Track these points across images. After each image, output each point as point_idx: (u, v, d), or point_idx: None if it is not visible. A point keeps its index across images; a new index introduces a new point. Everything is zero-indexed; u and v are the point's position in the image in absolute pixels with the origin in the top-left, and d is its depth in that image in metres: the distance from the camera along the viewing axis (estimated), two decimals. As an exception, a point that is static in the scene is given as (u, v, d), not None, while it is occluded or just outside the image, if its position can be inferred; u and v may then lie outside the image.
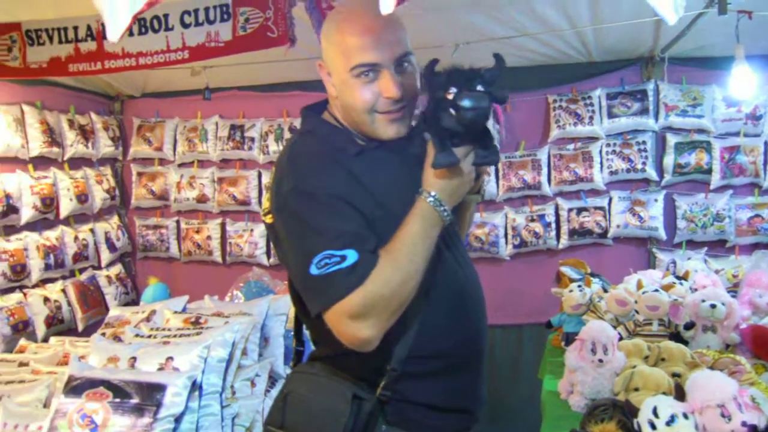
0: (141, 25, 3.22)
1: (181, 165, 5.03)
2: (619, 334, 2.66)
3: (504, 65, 1.56)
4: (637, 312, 2.84)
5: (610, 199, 4.43)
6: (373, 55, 1.62)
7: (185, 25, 3.23)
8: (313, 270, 1.50)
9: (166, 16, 3.23)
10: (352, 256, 1.49)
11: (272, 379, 3.01)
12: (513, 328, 4.56)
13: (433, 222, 1.58)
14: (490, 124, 1.58)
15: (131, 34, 3.22)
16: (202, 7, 3.22)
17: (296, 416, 1.70)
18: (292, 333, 1.96)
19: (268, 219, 1.69)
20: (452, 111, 1.49)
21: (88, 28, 3.30)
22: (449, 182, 1.59)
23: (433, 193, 1.58)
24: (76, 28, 3.32)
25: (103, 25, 1.30)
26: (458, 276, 1.75)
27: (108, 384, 2.41)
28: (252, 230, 4.86)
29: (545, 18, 3.76)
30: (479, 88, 1.49)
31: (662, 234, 4.37)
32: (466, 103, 1.46)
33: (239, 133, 4.86)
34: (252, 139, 4.84)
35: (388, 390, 1.67)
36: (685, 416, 1.72)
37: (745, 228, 4.29)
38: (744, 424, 1.64)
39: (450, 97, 1.49)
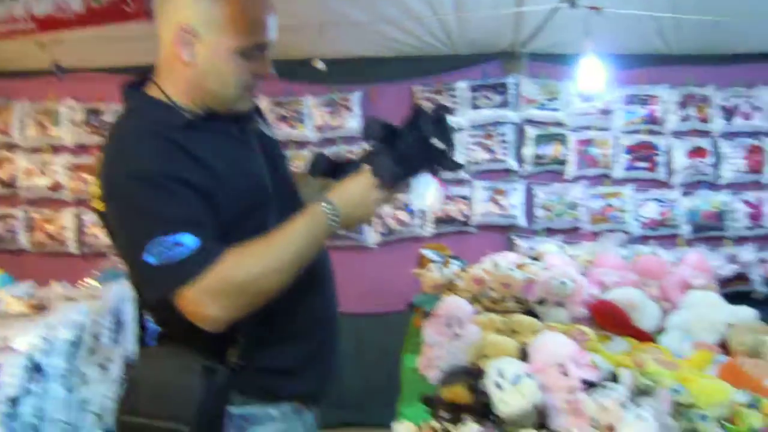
0: (-20, -9, 3.01)
1: (31, 151, 4.72)
2: (475, 311, 2.73)
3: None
4: (492, 290, 2.92)
5: (473, 189, 4.55)
6: (266, 35, 1.60)
7: (31, -7, 3.04)
8: (149, 258, 1.44)
9: (8, -18, 3.03)
10: (190, 241, 1.44)
11: (125, 364, 2.87)
12: (380, 316, 4.57)
13: (318, 227, 1.55)
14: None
15: (-31, 0, 3.00)
16: (50, -26, 3.05)
17: (146, 400, 1.60)
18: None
19: (99, 206, 1.59)
20: (433, 117, 1.56)
21: None
22: (352, 195, 1.57)
23: (332, 201, 1.55)
24: None
25: None
26: None
27: (-68, 367, 2.22)
28: (110, 219, 4.63)
29: (409, 6, 3.82)
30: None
31: (522, 222, 4.53)
32: (445, 118, 1.55)
33: (96, 118, 4.63)
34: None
35: (240, 358, 1.63)
36: (529, 376, 1.77)
37: (597, 216, 4.52)
38: (581, 380, 1.70)
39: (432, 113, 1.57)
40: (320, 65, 3.82)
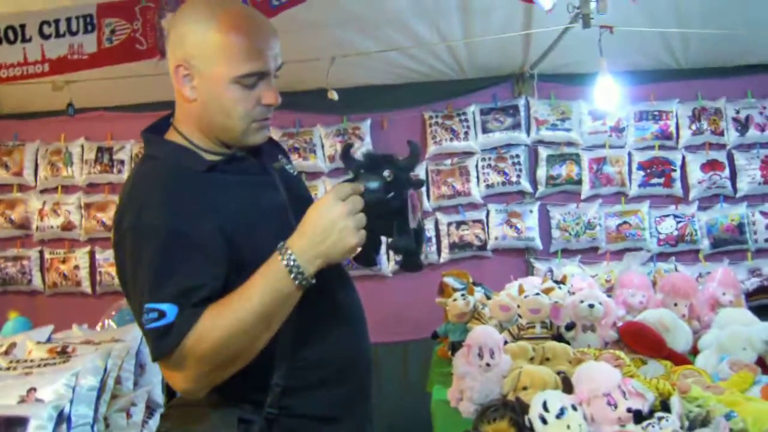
0: (-6, 35, 3.01)
1: (43, 191, 4.72)
2: (504, 339, 2.69)
3: (419, 153, 1.60)
4: (520, 316, 2.88)
5: (488, 212, 4.53)
6: (265, 63, 1.53)
7: (45, 36, 3.06)
8: (141, 320, 1.42)
9: (22, 26, 3.05)
10: (171, 312, 1.39)
11: (150, 409, 2.82)
12: (398, 345, 4.53)
13: (280, 282, 1.43)
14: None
15: (-17, 44, 3.00)
16: (64, 17, 3.06)
17: None
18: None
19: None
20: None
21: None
22: (317, 246, 1.43)
23: (290, 253, 1.42)
24: None
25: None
26: (332, 285, 1.66)
27: (-41, 422, 2.17)
28: (124, 257, 4.60)
29: (418, 35, 3.84)
30: (386, 173, 1.50)
31: (538, 244, 4.50)
32: (369, 185, 1.48)
33: (107, 156, 4.63)
34: (122, 162, 4.63)
35: (274, 407, 1.56)
36: (574, 408, 1.73)
37: (614, 234, 4.48)
38: (629, 410, 1.66)
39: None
40: (334, 96, 3.81)
